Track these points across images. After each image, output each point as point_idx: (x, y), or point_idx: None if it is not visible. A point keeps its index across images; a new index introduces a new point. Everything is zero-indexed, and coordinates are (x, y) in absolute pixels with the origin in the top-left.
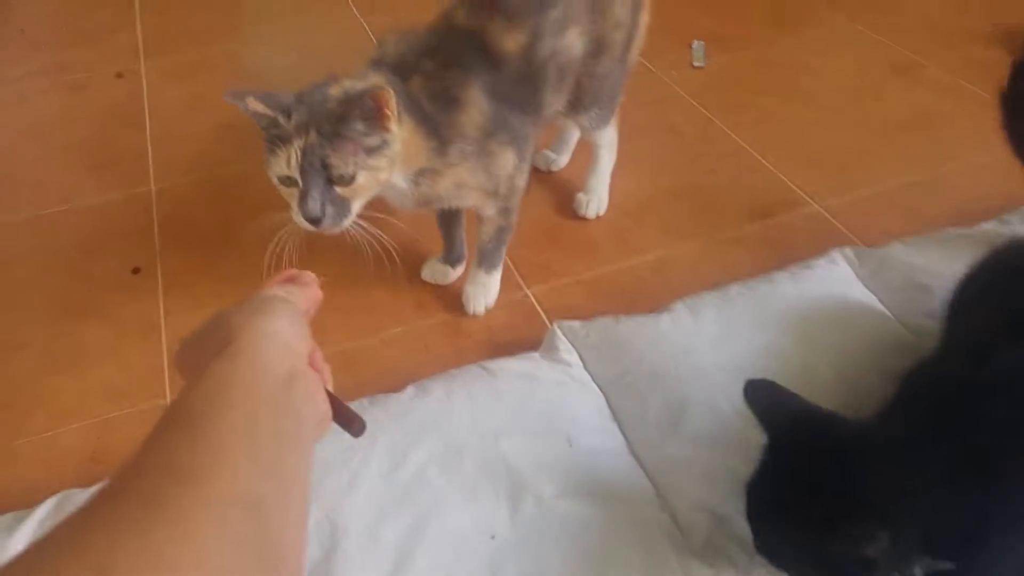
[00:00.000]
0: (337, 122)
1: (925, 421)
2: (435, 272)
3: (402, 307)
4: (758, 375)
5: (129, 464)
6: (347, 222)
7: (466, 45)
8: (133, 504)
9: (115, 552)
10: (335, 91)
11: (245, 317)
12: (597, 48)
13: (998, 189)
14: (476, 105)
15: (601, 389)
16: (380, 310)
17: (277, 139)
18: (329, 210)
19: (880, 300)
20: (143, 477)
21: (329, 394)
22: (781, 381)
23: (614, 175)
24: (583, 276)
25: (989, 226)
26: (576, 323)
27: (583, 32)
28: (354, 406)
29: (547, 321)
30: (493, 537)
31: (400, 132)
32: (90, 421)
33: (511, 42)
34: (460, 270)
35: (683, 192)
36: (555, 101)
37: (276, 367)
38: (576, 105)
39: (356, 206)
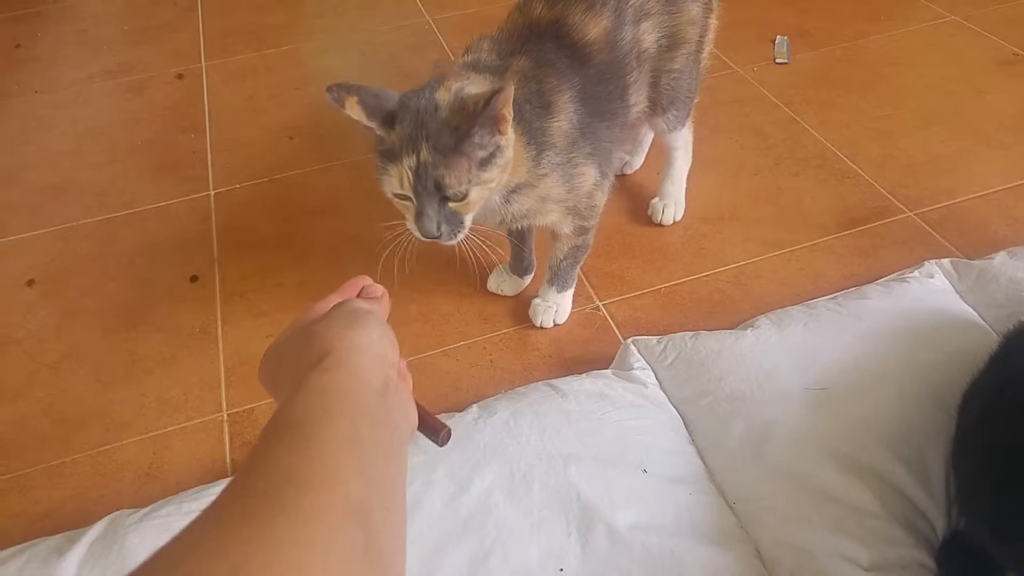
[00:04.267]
0: (453, 136)
1: None
2: (502, 283)
3: (466, 319)
4: (848, 399)
5: (243, 469)
6: (463, 235)
7: (551, 39)
8: (257, 505)
9: (248, 552)
10: (443, 96)
11: (339, 330)
12: (672, 42)
13: None
14: (565, 112)
15: (678, 411)
16: (443, 322)
17: (386, 157)
18: (444, 228)
19: (981, 316)
20: (262, 481)
21: (415, 403)
22: (874, 405)
23: (691, 179)
24: (658, 287)
25: None
26: (652, 339)
27: (657, 25)
28: None
29: (619, 335)
30: (562, 570)
31: (511, 136)
32: (145, 436)
33: (594, 28)
34: (528, 280)
35: (765, 197)
36: (639, 100)
37: (372, 378)
38: (655, 106)
39: (469, 219)
